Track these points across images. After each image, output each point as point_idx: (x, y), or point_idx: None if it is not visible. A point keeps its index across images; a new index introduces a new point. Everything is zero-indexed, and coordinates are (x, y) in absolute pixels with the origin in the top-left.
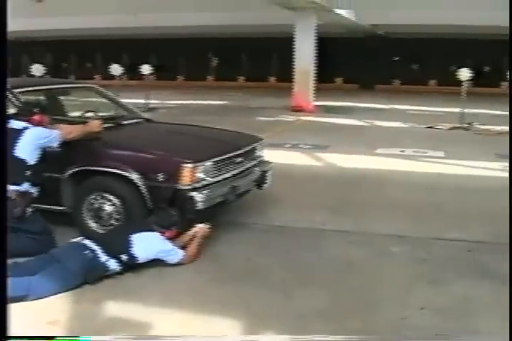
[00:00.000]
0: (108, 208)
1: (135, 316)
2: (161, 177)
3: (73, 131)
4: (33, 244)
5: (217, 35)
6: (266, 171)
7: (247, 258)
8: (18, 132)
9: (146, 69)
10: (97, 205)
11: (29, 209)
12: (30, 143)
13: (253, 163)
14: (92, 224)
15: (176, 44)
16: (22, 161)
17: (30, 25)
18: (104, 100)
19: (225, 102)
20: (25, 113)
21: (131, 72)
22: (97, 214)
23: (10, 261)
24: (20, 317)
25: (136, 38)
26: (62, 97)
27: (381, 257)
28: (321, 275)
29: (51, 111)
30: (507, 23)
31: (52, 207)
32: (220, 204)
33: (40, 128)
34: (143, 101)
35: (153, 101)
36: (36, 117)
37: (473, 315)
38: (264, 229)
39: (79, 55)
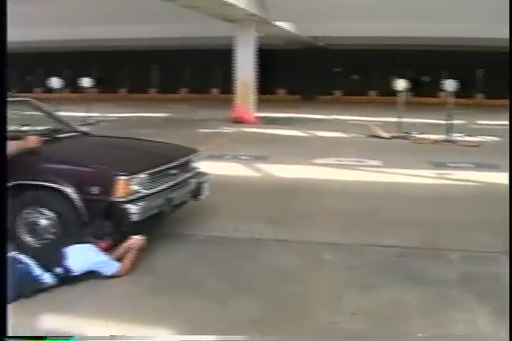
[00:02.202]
0: (43, 222)
1: (71, 329)
2: (95, 190)
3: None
4: None
5: (159, 48)
6: (202, 182)
7: (183, 269)
8: None
9: (86, 82)
10: (31, 219)
11: None
12: None
13: (189, 174)
14: (28, 238)
15: (119, 56)
16: None
17: None
18: (40, 113)
19: (167, 115)
20: None
21: (73, 85)
22: (32, 228)
23: None
24: None
25: (78, 50)
26: None
27: (315, 265)
28: (256, 284)
29: None
30: (443, 34)
31: None
32: (156, 216)
33: None
34: (84, 114)
35: (95, 115)
36: None
37: (402, 318)
38: (201, 240)
39: (18, 68)
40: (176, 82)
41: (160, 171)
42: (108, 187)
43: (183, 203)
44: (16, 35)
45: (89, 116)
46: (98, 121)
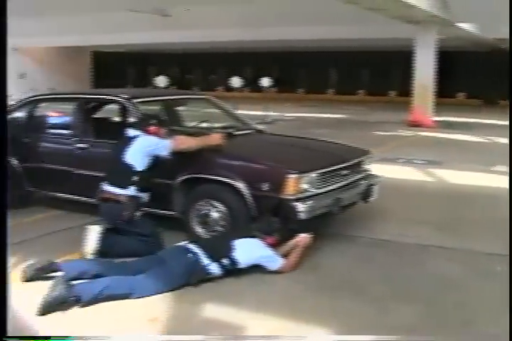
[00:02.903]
0: (214, 215)
1: (230, 320)
2: (266, 186)
3: (187, 143)
4: (141, 245)
5: (337, 49)
6: (373, 185)
7: (347, 270)
8: (130, 139)
9: (266, 82)
10: (204, 211)
11: (138, 213)
12: (139, 150)
13: (359, 176)
14: (199, 230)
15: (297, 57)
16: (130, 167)
17: (156, 38)
18: (218, 111)
19: (343, 116)
20: (142, 122)
21: (252, 84)
22: (204, 220)
23: (118, 261)
24: (124, 313)
25: (259, 51)
26: (178, 108)
27: (482, 276)
28: (419, 291)
29: (167, 122)
30: None
31: (163, 211)
32: (324, 216)
33: (150, 137)
34: (262, 113)
35: (273, 114)
36: (152, 128)
37: None
38: (367, 243)
39: (203, 68)
40: (353, 83)
41: (331, 171)
42: (278, 184)
43: (352, 204)
44: (200, 35)
45: (266, 115)
46: (275, 120)
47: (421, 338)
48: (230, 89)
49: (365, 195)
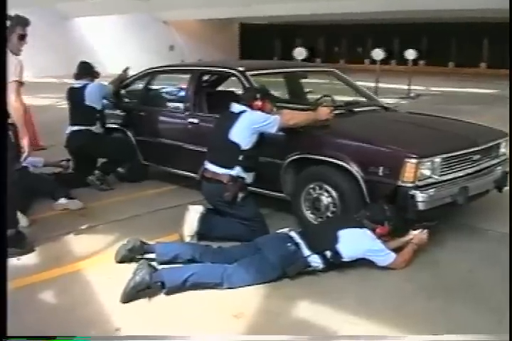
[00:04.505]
0: (325, 199)
1: (323, 321)
2: (381, 171)
3: (295, 118)
4: (242, 229)
5: (491, 20)
6: (509, 171)
7: (468, 269)
8: (235, 116)
9: (411, 54)
10: (314, 195)
11: (240, 195)
12: (246, 127)
13: (494, 161)
14: (308, 214)
15: (448, 28)
16: (235, 145)
17: (300, 9)
18: (343, 85)
19: (495, 91)
20: (247, 97)
21: (399, 57)
22: (314, 205)
23: (215, 246)
24: (207, 305)
25: (407, 22)
26: (299, 80)
27: None
28: None
29: (279, 96)
30: None
31: (271, 192)
32: (447, 207)
33: (257, 113)
34: (406, 87)
35: (418, 88)
36: (257, 103)
37: None
38: (496, 237)
39: (350, 39)
40: (508, 56)
41: (459, 156)
42: (396, 169)
43: (484, 193)
44: (350, 6)
45: (411, 89)
46: (418, 95)
47: None
48: (375, 61)
49: (500, 182)
